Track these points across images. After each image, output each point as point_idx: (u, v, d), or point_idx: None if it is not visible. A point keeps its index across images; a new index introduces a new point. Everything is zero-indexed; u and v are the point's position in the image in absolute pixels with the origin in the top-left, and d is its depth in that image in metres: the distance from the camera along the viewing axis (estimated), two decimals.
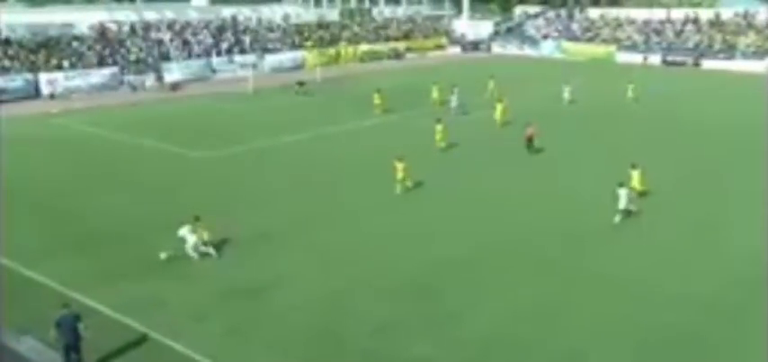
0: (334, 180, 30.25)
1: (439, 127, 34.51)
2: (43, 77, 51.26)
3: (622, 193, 24.27)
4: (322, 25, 77.51)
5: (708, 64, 68.81)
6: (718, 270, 20.84)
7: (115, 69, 55.51)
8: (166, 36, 62.93)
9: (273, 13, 76.57)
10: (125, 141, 37.35)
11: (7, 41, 53.61)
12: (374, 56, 74.94)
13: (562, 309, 18.53)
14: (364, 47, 75.89)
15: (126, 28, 62.30)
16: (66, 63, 53.60)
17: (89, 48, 56.70)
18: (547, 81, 57.23)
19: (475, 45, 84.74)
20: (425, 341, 16.96)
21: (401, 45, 79.58)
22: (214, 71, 61.61)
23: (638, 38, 76.51)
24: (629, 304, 18.74)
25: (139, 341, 16.91)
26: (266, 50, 66.89)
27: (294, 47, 69.97)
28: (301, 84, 52.79)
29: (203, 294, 19.45)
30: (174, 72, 57.97)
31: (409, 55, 78.55)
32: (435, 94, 45.72)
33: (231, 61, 63.12)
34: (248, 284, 20.08)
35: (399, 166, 27.74)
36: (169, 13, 68.70)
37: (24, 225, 24.64)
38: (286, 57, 67.58)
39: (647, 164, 28.57)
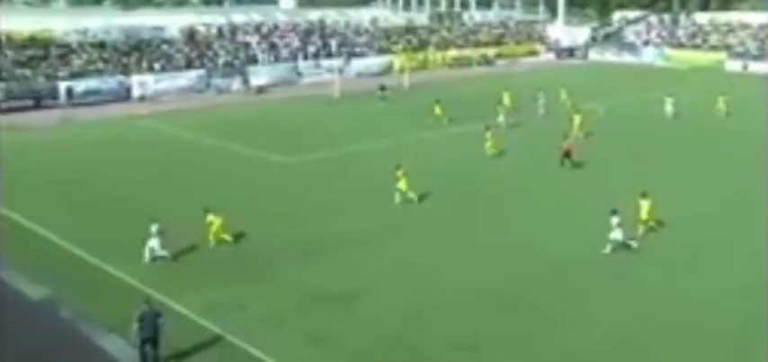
0: (428, 188, 30.23)
1: (488, 134, 35.20)
2: (135, 80, 53.70)
3: (614, 221, 22.76)
4: (410, 29, 77.87)
5: None
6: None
7: (202, 72, 57.52)
8: (253, 39, 64.75)
9: (361, 17, 77.51)
10: (209, 145, 38.60)
11: (102, 44, 56.49)
12: (463, 62, 74.66)
13: (646, 328, 17.89)
14: (453, 52, 75.74)
15: (214, 31, 64.47)
16: (157, 66, 55.97)
17: (178, 50, 59.02)
18: (646, 91, 55.42)
19: (570, 51, 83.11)
20: (506, 360, 16.71)
21: (492, 51, 78.92)
22: (300, 75, 62.90)
23: (752, 44, 72.99)
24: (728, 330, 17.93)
25: (217, 345, 17.39)
26: (353, 55, 67.77)
27: (381, 51, 70.61)
28: (383, 89, 53.28)
29: (283, 300, 19.83)
30: (260, 75, 59.54)
31: (500, 61, 77.79)
32: (506, 100, 46.06)
33: (318, 65, 64.27)
34: (329, 291, 20.34)
35: (400, 174, 27.84)
36: (256, 16, 70.69)
37: (109, 225, 25.82)
38: (373, 61, 68.25)
39: (709, 187, 27.74)
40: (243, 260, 22.57)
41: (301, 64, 63.84)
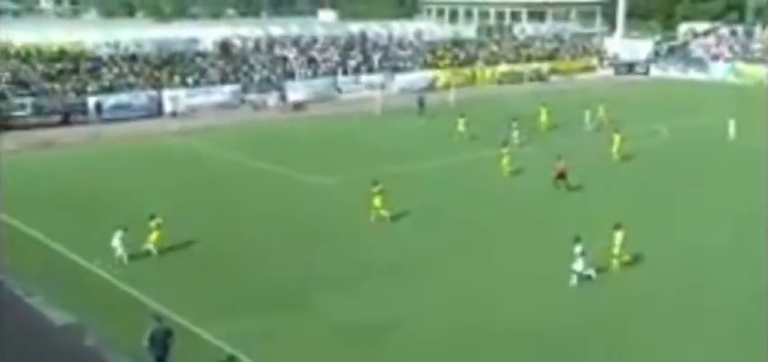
0: (456, 214, 30.17)
1: (504, 151, 36.18)
2: (166, 95, 54.68)
3: (577, 250, 22.67)
4: (457, 43, 77.90)
5: None
6: None
7: (237, 87, 58.31)
8: (291, 53, 65.44)
9: (405, 30, 77.75)
10: (242, 163, 39.06)
11: (133, 57, 57.73)
12: (514, 78, 74.34)
13: None
14: (503, 67, 75.50)
15: (250, 44, 65.31)
16: (190, 80, 56.89)
17: (212, 64, 59.97)
18: (713, 110, 54.29)
19: (630, 67, 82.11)
20: None
21: (544, 66, 78.48)
22: (340, 91, 63.29)
23: None
24: None
25: None
26: (396, 69, 67.99)
27: (426, 66, 70.69)
28: (422, 104, 53.77)
29: (317, 330, 19.94)
30: (297, 91, 60.09)
31: (553, 77, 77.28)
32: (544, 117, 46.81)
33: (357, 81, 64.61)
34: (364, 322, 20.40)
35: (375, 190, 28.73)
36: (295, 29, 71.37)
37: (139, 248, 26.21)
38: (417, 77, 68.33)
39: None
40: (274, 286, 22.77)
41: (341, 79, 64.26)
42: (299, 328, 20.02)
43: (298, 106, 57.69)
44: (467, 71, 72.10)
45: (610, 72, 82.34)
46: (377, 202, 28.61)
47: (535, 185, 34.45)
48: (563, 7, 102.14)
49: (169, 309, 20.60)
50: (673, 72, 79.34)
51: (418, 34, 77.32)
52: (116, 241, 24.52)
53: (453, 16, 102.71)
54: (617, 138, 39.33)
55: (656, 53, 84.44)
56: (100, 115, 50.70)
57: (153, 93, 54.38)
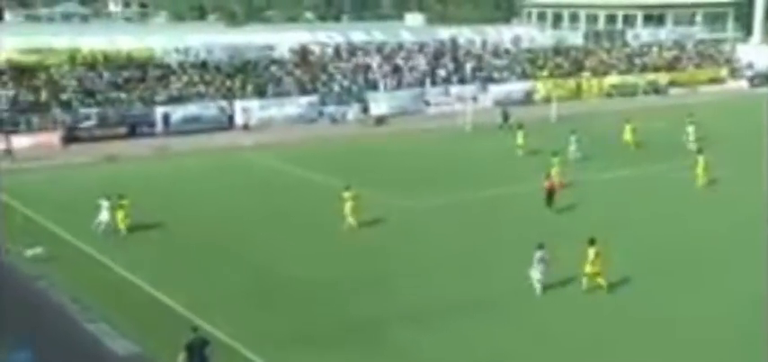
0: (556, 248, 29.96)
1: (555, 160, 37.88)
2: (238, 106, 56.32)
3: (537, 256, 24.57)
4: (560, 51, 77.28)
5: None
6: None
7: (314, 99, 59.47)
8: (374, 61, 66.26)
9: (501, 36, 77.54)
10: (318, 182, 39.93)
11: (204, 64, 59.67)
12: (626, 90, 73.25)
13: None
14: (613, 78, 74.48)
15: (329, 51, 66.42)
16: (269, 90, 58.37)
17: (288, 73, 61.35)
18: None
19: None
20: None
21: (662, 77, 76.96)
22: (427, 103, 63.69)
23: None
24: None
25: None
26: (489, 80, 67.98)
27: (524, 76, 70.46)
28: (506, 118, 54.54)
29: None
30: (380, 103, 60.81)
31: (673, 90, 75.68)
32: (628, 135, 48.13)
33: (447, 93, 64.85)
34: None
35: (347, 195, 31.31)
36: (378, 35, 72.09)
37: (207, 273, 27.26)
38: (514, 88, 68.19)
39: None
40: (347, 318, 23.29)
41: (429, 90, 64.61)
42: None
43: (380, 121, 58.32)
44: (571, 82, 71.46)
45: (743, 84, 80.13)
46: (347, 208, 30.80)
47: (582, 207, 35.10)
48: (686, 9, 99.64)
49: (233, 338, 21.37)
50: None
51: (516, 41, 76.98)
52: (104, 214, 30.21)
53: (557, 20, 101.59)
54: (701, 160, 39.19)
55: None
56: (167, 128, 52.65)
57: (224, 104, 56.06)
